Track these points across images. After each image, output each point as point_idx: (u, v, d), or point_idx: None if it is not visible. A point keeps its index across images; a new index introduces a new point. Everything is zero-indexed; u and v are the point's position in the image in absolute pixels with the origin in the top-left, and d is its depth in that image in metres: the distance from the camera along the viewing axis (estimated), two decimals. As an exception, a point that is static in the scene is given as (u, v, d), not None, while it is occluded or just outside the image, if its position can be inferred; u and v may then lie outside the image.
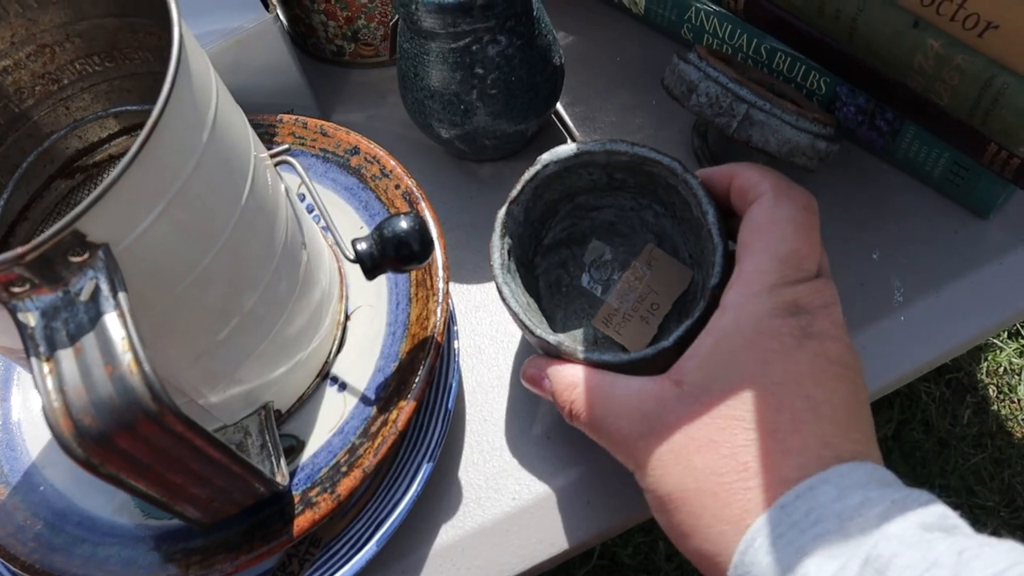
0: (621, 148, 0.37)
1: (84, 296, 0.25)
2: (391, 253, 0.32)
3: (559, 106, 0.51)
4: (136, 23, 0.34)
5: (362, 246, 0.32)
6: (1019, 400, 1.14)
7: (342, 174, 0.43)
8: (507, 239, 0.37)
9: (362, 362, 0.36)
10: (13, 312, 0.25)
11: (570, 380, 0.33)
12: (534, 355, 0.36)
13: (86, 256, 0.25)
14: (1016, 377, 1.16)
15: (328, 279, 0.38)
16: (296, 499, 0.32)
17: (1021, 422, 1.13)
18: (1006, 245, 0.43)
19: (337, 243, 0.33)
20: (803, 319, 0.30)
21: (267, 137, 0.45)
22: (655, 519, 0.31)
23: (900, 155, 0.45)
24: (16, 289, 0.25)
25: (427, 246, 0.32)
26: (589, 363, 0.33)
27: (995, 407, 1.15)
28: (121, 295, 0.25)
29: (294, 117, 0.45)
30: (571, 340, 0.37)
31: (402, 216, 0.32)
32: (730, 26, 0.48)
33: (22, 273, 0.24)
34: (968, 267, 0.42)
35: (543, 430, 0.40)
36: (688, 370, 0.30)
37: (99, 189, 0.24)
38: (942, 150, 0.42)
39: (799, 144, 0.39)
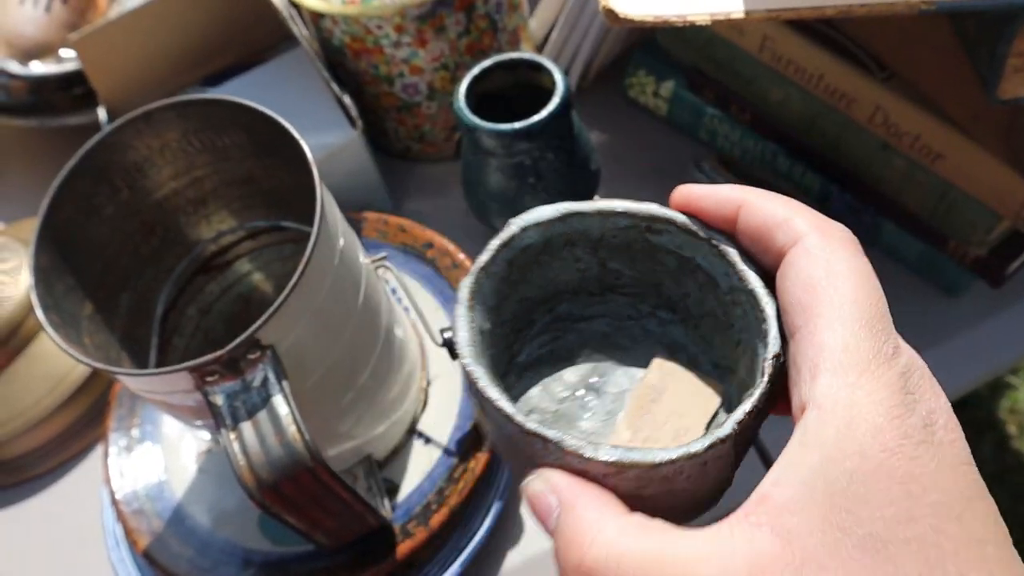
0: (619, 208, 0.27)
1: (257, 383, 0.35)
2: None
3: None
4: (268, 163, 0.44)
5: (449, 335, 0.41)
6: (1035, 438, 1.20)
7: (420, 264, 0.52)
8: (477, 311, 0.27)
9: (442, 421, 0.46)
10: (206, 395, 0.35)
11: (589, 537, 0.21)
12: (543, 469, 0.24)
13: (259, 355, 0.35)
14: (1033, 416, 1.21)
15: (414, 355, 0.47)
16: (397, 530, 0.42)
17: (1038, 459, 1.18)
18: (972, 320, 0.51)
19: (428, 332, 0.42)
20: (918, 407, 0.22)
21: (356, 232, 0.54)
22: None
23: (882, 243, 0.53)
24: (209, 379, 0.35)
25: (497, 335, 0.41)
26: (614, 466, 0.22)
27: (1015, 444, 1.21)
28: (284, 382, 0.34)
29: (376, 215, 0.55)
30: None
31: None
32: (739, 131, 0.57)
33: (215, 368, 0.34)
34: (941, 337, 0.51)
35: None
36: (786, 509, 0.20)
37: (270, 310, 0.34)
38: (915, 241, 0.51)
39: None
